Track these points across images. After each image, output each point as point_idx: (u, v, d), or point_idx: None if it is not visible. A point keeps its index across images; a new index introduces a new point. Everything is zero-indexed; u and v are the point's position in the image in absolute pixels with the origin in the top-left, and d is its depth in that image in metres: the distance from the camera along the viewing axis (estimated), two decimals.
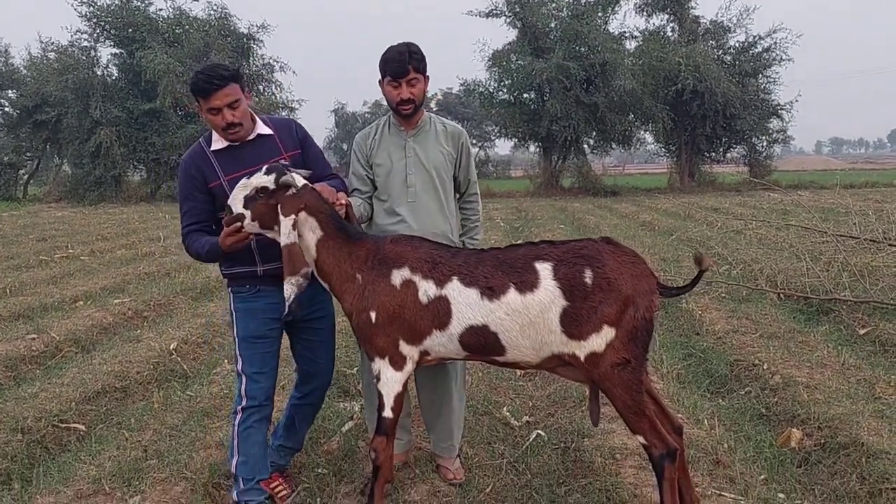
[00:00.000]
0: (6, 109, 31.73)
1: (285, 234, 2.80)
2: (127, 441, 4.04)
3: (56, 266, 10.80)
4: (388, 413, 2.89)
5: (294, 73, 31.10)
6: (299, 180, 2.89)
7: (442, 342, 2.82)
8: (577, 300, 2.64)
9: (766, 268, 8.05)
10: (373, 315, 2.82)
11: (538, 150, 29.11)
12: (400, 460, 3.68)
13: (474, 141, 55.04)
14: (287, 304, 2.77)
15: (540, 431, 4.12)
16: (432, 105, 53.19)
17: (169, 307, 7.83)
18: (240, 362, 3.20)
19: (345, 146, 56.15)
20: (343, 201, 3.08)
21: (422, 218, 3.42)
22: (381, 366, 2.86)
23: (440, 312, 2.77)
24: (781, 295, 7.22)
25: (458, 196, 3.68)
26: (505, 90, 27.56)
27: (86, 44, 27.95)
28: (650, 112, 25.90)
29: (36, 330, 6.37)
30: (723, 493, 3.33)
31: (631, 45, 28.22)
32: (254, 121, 3.16)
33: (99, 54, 28.17)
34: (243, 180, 2.89)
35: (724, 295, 7.39)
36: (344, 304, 2.94)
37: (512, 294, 2.69)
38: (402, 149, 3.45)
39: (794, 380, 4.68)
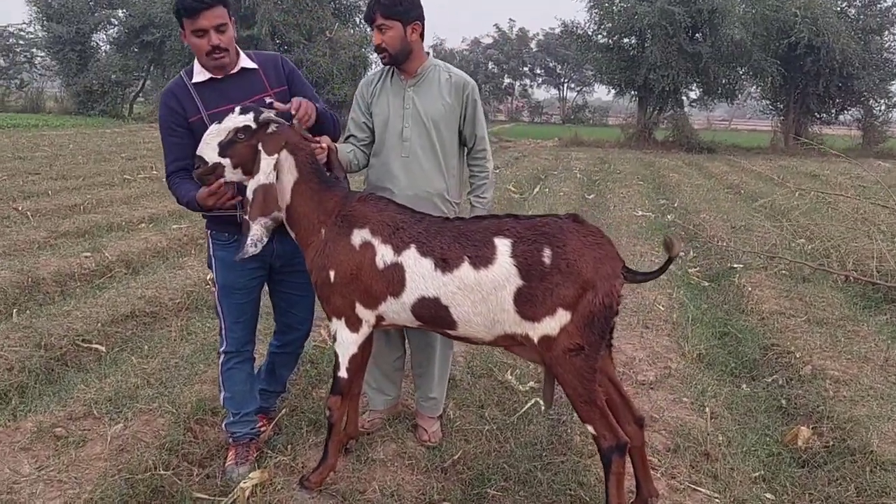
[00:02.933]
0: (117, 27, 32.96)
1: (265, 173, 2.70)
2: (134, 367, 4.17)
3: (136, 186, 11.30)
4: (343, 373, 2.88)
5: None
6: (276, 118, 2.77)
7: (395, 309, 2.75)
8: (533, 280, 2.50)
9: (843, 246, 7.51)
10: (332, 274, 2.76)
11: (633, 98, 27.92)
12: (380, 417, 3.66)
13: (573, 85, 53.36)
14: (249, 246, 2.68)
15: (539, 400, 3.99)
16: (532, 45, 51.73)
17: None
18: (219, 307, 3.23)
19: None
20: (323, 144, 2.95)
21: (415, 175, 3.26)
22: (338, 326, 2.83)
23: (394, 280, 2.69)
24: (850, 278, 6.73)
25: (466, 152, 3.49)
26: (604, 33, 26.43)
27: None
28: (758, 66, 24.26)
29: (92, 249, 6.69)
30: (698, 488, 3.15)
31: None
32: (238, 54, 3.03)
33: None
34: (212, 127, 2.75)
35: (784, 272, 6.94)
36: (306, 258, 2.87)
37: (465, 268, 2.57)
38: (401, 99, 3.28)
39: (825, 372, 4.37)
